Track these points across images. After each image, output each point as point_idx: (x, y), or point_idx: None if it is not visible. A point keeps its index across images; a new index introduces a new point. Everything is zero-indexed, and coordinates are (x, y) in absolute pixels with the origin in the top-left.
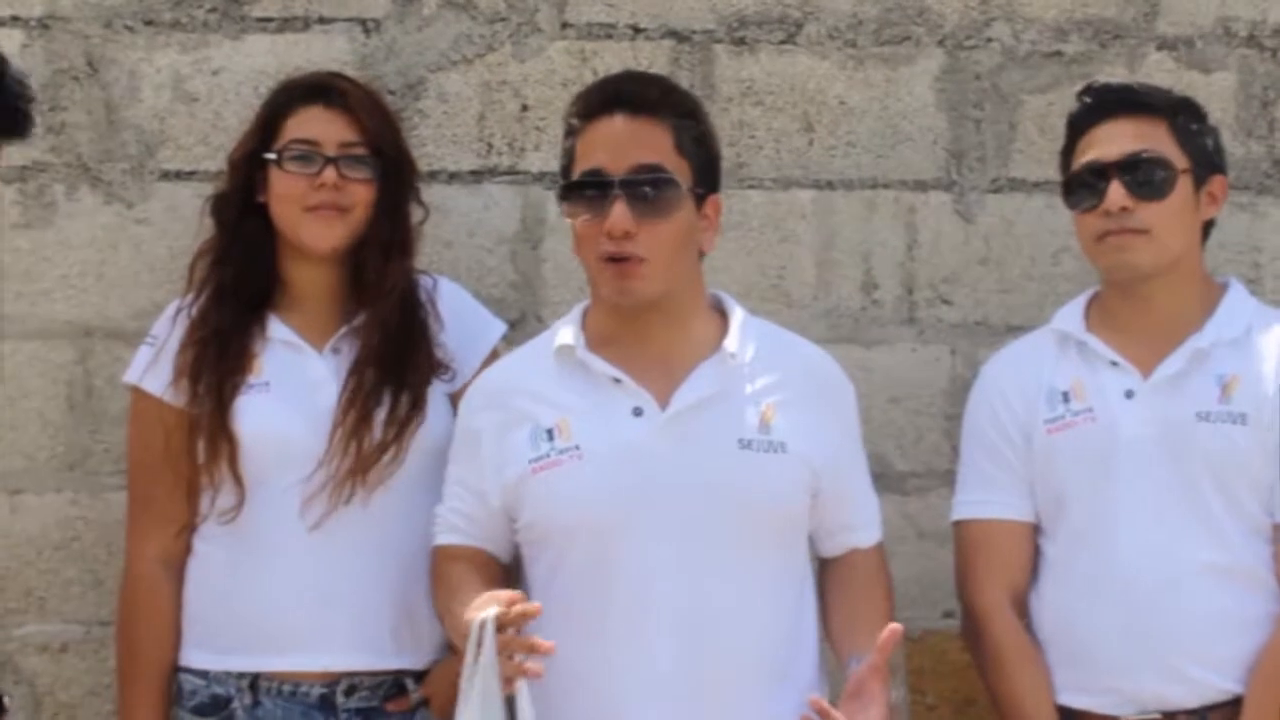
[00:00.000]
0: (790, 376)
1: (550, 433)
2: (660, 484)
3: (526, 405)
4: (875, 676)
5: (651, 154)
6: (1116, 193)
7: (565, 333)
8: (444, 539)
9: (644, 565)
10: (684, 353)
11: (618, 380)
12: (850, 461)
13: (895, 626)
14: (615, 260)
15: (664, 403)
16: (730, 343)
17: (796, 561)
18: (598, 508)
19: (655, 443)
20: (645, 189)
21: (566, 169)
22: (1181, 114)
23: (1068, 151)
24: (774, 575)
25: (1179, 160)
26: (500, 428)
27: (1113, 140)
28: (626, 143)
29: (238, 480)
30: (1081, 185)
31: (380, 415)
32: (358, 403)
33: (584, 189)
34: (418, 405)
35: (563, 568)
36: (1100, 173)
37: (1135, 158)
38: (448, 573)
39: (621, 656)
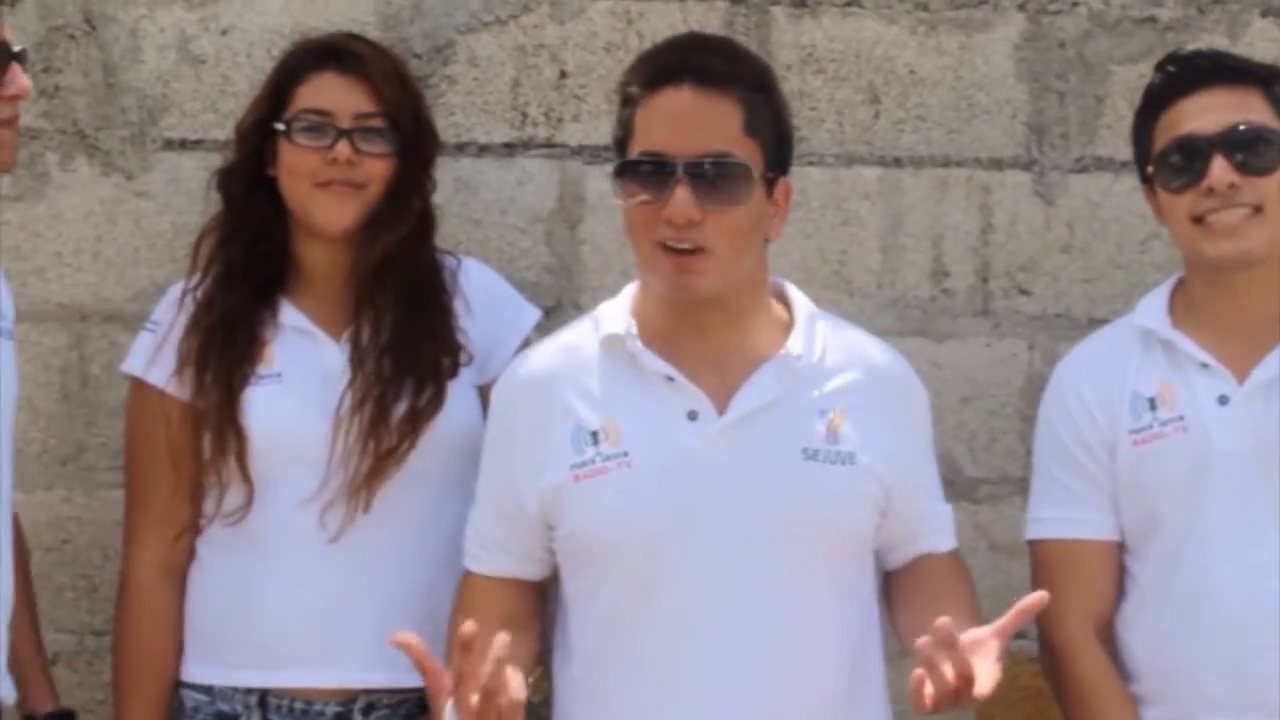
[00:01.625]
0: (860, 380)
1: (595, 435)
2: (717, 497)
3: (568, 400)
4: (999, 636)
5: (720, 137)
6: (1221, 168)
7: (614, 319)
8: (470, 564)
9: (696, 587)
10: (743, 351)
11: (671, 379)
12: (923, 475)
13: (1042, 594)
14: (675, 251)
15: (721, 406)
16: (795, 342)
17: (863, 585)
18: (647, 523)
19: (711, 451)
20: (712, 174)
21: (622, 141)
22: (1276, 83)
23: (1144, 128)
24: (839, 601)
25: None
26: (537, 423)
27: (1208, 112)
28: (693, 122)
29: (246, 478)
30: (1174, 162)
31: (399, 410)
32: (373, 396)
33: (643, 170)
34: (436, 397)
35: (604, 588)
36: (1198, 147)
37: (1238, 129)
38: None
39: (668, 688)
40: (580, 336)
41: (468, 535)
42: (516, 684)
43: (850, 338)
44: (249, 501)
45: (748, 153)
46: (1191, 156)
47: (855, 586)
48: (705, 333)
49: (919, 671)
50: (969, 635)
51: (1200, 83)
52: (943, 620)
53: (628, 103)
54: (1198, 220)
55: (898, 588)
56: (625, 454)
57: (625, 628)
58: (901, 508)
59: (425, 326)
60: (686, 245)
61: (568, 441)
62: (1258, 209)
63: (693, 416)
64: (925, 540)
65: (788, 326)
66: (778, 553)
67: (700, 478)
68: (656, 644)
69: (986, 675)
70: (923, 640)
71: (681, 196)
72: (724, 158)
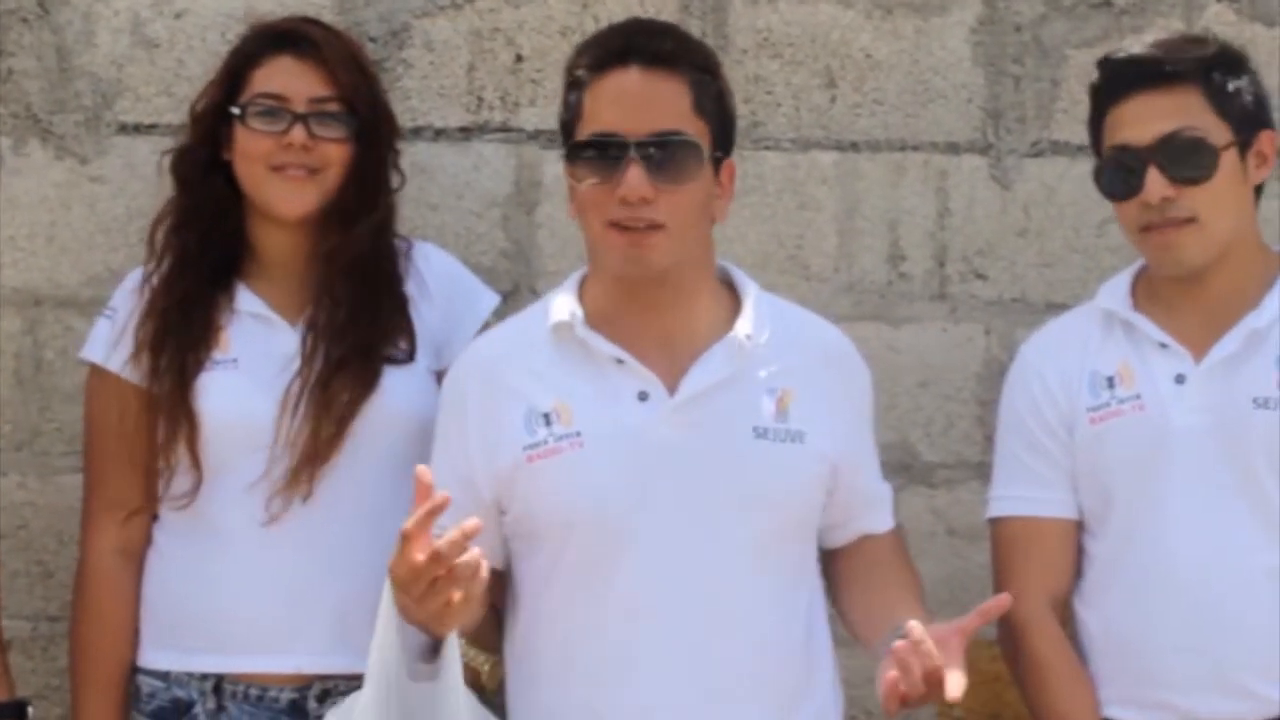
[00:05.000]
0: (807, 360)
1: (547, 417)
2: (668, 476)
3: (519, 384)
4: (961, 635)
5: (670, 116)
6: (1155, 182)
7: (561, 307)
8: None
9: (649, 565)
10: (691, 332)
11: (620, 361)
12: (866, 454)
13: (1006, 596)
14: (626, 229)
15: (671, 387)
16: (744, 324)
17: (809, 564)
18: (600, 501)
19: (663, 430)
20: (664, 153)
21: (569, 125)
22: (1215, 71)
23: (1095, 124)
24: (788, 578)
25: (1219, 133)
26: (489, 408)
27: (1142, 120)
28: (643, 102)
29: (196, 463)
30: (1114, 171)
31: (344, 396)
32: (319, 381)
33: (594, 151)
34: (371, 381)
35: (558, 568)
36: (1133, 158)
37: (1170, 139)
38: None
39: (623, 666)
40: (529, 323)
41: None
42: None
43: (796, 318)
44: (197, 486)
45: (697, 131)
46: (1127, 168)
47: (802, 565)
48: (653, 313)
49: (892, 674)
50: (935, 632)
51: (1134, 87)
52: (914, 625)
53: (575, 86)
54: (1143, 231)
55: (841, 570)
56: (578, 434)
57: (579, 607)
58: (847, 486)
59: (379, 312)
60: (640, 224)
61: (520, 424)
62: (1192, 219)
63: (643, 397)
64: (867, 520)
65: (734, 308)
66: (729, 530)
67: (652, 457)
68: (611, 623)
69: (956, 681)
70: (899, 644)
71: (634, 175)
72: (675, 135)
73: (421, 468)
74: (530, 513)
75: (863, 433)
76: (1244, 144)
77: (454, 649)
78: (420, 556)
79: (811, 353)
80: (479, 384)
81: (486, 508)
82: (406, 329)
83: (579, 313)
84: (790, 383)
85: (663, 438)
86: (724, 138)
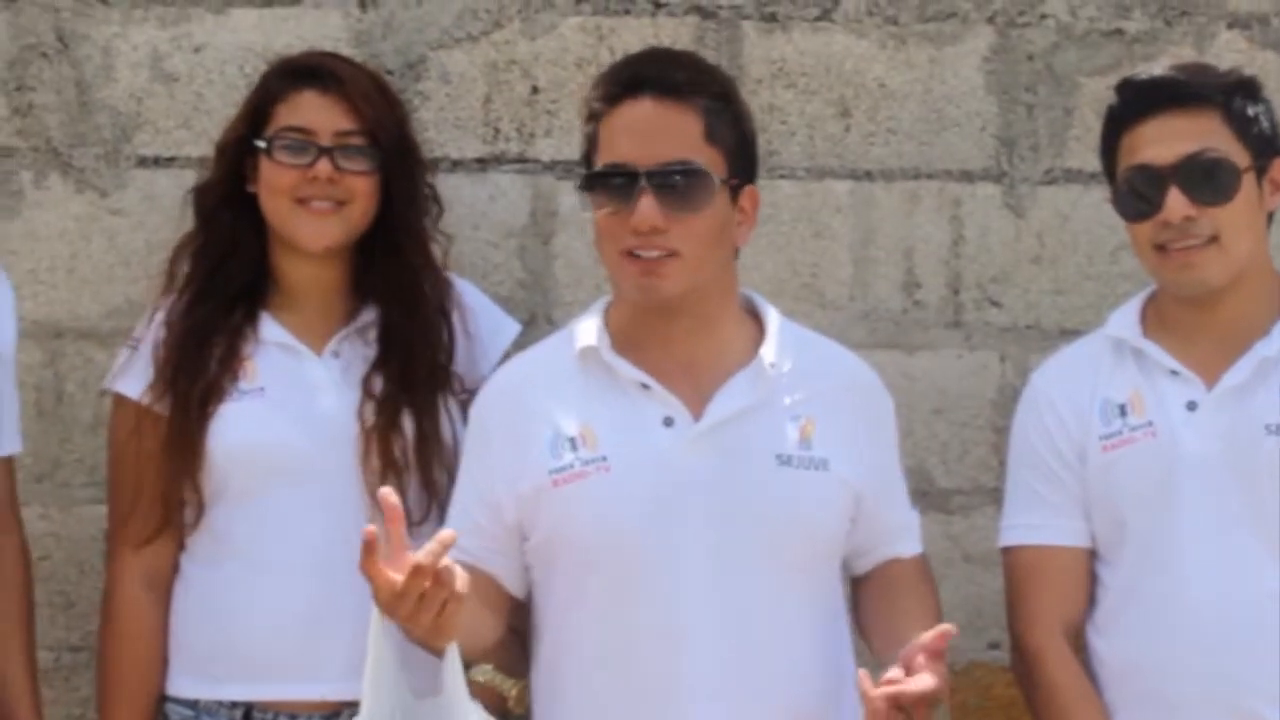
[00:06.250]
0: (830, 388)
1: (573, 441)
2: (693, 502)
3: (545, 408)
4: (928, 657)
5: (681, 145)
6: (1177, 201)
7: (587, 332)
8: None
9: (675, 591)
10: (714, 359)
11: (646, 386)
12: (892, 482)
13: (947, 627)
14: (640, 256)
15: (696, 413)
16: (768, 350)
17: (834, 592)
18: (627, 526)
19: (688, 456)
20: (675, 182)
21: (588, 157)
22: (1236, 95)
23: (1108, 149)
24: (813, 606)
25: (1239, 155)
26: (514, 432)
27: (1163, 141)
28: (654, 132)
29: (196, 493)
30: (1133, 192)
31: (408, 428)
32: (382, 417)
33: (608, 181)
34: (436, 421)
35: (583, 594)
36: (1154, 178)
37: (1193, 160)
38: None
39: (651, 693)
40: (554, 350)
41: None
42: (461, 578)
43: (819, 347)
44: (199, 517)
45: (709, 160)
46: (1148, 188)
47: (827, 592)
48: (677, 340)
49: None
50: (903, 657)
51: (1156, 108)
52: (862, 673)
53: (591, 118)
54: (1160, 251)
55: (864, 593)
56: (604, 458)
57: (604, 633)
58: (871, 515)
59: (421, 346)
60: (653, 253)
61: (546, 448)
62: (1214, 239)
63: (668, 423)
64: (892, 546)
65: (758, 335)
66: (754, 556)
67: (677, 482)
68: (635, 648)
69: (918, 681)
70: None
71: (646, 205)
72: (685, 165)
73: (385, 490)
74: (555, 537)
75: (887, 460)
76: (1260, 169)
77: (455, 660)
78: (398, 576)
79: (834, 381)
80: (503, 410)
81: (509, 532)
82: (443, 359)
83: (606, 338)
84: (814, 410)
85: (687, 464)
86: (742, 164)
